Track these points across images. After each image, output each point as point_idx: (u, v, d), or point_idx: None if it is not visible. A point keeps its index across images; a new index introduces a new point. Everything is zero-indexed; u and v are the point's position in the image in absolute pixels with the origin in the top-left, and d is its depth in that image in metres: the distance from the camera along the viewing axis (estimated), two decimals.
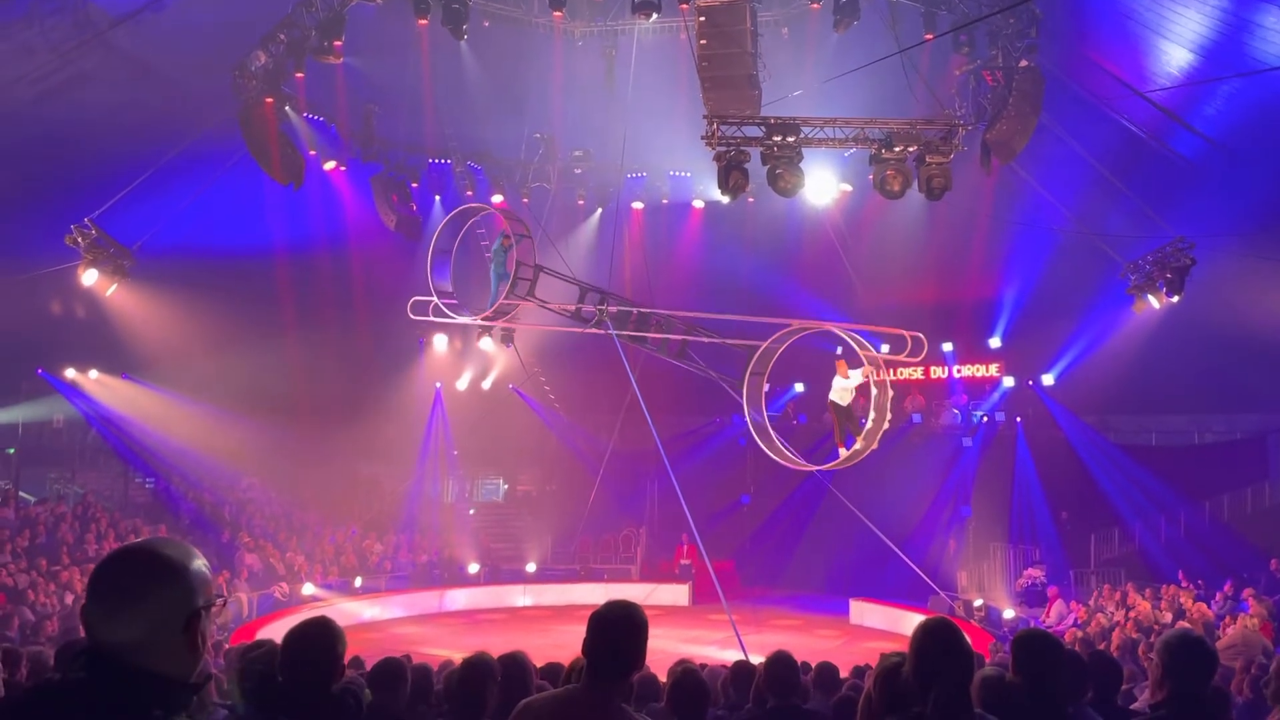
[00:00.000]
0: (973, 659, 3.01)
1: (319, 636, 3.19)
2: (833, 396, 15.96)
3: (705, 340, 15.92)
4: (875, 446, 14.84)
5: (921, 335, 14.35)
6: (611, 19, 18.46)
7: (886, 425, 14.83)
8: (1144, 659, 9.16)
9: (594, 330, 16.01)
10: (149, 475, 23.19)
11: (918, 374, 24.65)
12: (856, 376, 15.52)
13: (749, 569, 23.36)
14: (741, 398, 15.55)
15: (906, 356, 14.97)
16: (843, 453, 15.29)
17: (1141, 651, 9.59)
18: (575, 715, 2.91)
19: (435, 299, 15.69)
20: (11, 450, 22.99)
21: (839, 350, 15.74)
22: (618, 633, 2.94)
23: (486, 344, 22.92)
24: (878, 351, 15.90)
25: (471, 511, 25.34)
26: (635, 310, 16.68)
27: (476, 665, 4.22)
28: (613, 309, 16.70)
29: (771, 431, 15.64)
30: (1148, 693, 4.21)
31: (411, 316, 16.45)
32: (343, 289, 23.16)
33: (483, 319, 16.45)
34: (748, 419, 15.72)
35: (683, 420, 24.09)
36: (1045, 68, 15.07)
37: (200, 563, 1.96)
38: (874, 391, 14.74)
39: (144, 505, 21.99)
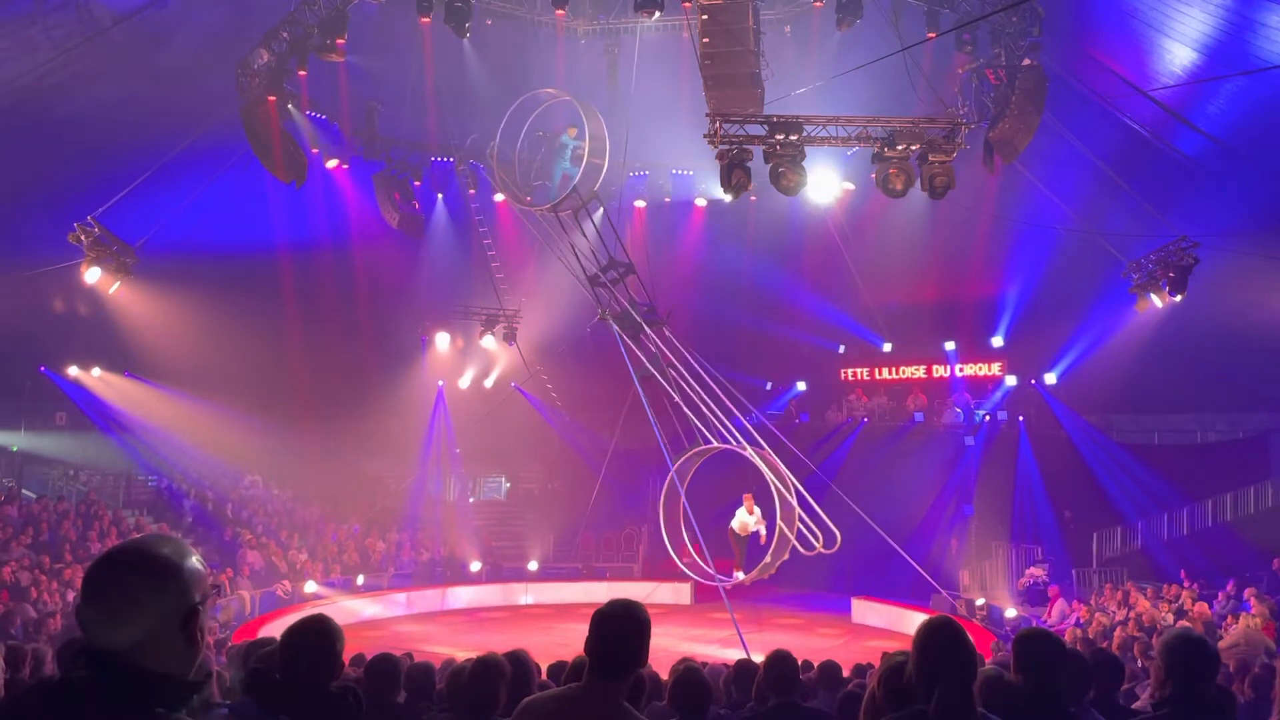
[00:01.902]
0: (975, 658, 3.01)
1: (318, 634, 3.19)
2: (733, 525, 17.55)
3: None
4: (773, 571, 16.70)
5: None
6: (614, 17, 18.44)
7: (785, 557, 16.53)
8: (1140, 658, 9.17)
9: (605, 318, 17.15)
10: (151, 473, 23.23)
11: (920, 372, 24.68)
12: (757, 517, 17.16)
13: (751, 567, 23.33)
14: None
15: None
16: (739, 575, 16.92)
17: (1138, 651, 9.59)
18: (577, 713, 2.91)
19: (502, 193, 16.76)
20: (14, 448, 23.03)
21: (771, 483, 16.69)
22: (620, 631, 2.94)
23: (489, 342, 22.98)
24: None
25: (471, 500, 25.39)
26: (633, 308, 16.99)
27: (489, 665, 4.22)
28: (616, 309, 16.96)
29: (683, 554, 17.46)
30: (1149, 692, 4.21)
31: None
32: (345, 287, 23.18)
33: (551, 209, 17.14)
34: (665, 539, 17.53)
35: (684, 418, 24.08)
36: (1048, 66, 15.05)
37: (194, 558, 1.95)
38: (774, 538, 16.36)
39: (146, 503, 22.02)
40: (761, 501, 17.27)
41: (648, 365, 17.32)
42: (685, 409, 16.92)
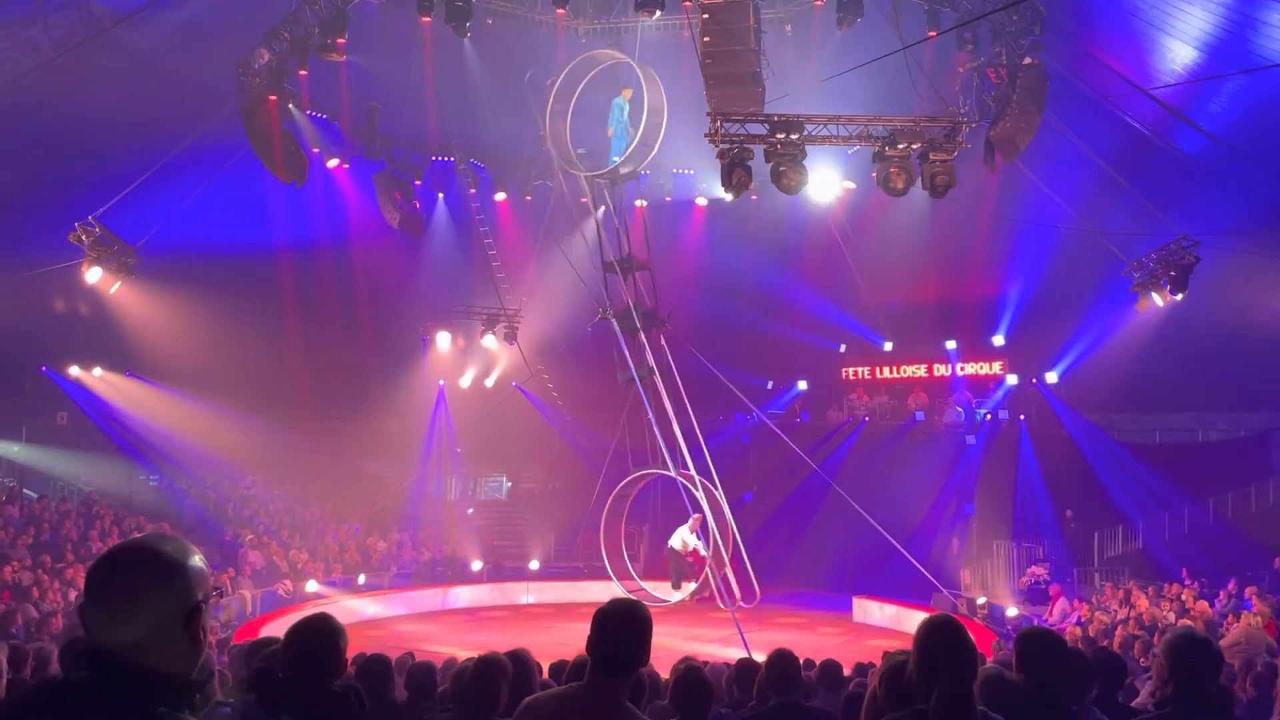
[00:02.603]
0: (976, 657, 3.01)
1: (321, 633, 3.19)
2: (672, 542, 18.05)
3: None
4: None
5: None
6: (615, 16, 18.42)
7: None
8: (1142, 656, 9.16)
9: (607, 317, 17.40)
10: (153, 472, 23.24)
11: (921, 371, 24.68)
12: (694, 540, 17.66)
13: (752, 566, 23.33)
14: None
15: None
16: (675, 595, 17.34)
17: (1139, 650, 9.58)
18: (579, 712, 2.91)
19: (557, 159, 16.82)
20: (15, 450, 23.04)
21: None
22: (621, 630, 2.94)
23: (490, 341, 22.97)
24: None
25: (470, 511, 25.34)
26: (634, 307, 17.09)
27: (490, 664, 4.23)
28: (617, 310, 17.06)
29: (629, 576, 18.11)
30: (1149, 689, 4.21)
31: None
32: (346, 287, 23.18)
33: (604, 175, 17.32)
34: (606, 563, 17.91)
35: (685, 418, 24.08)
36: (1049, 65, 15.04)
37: (197, 557, 1.95)
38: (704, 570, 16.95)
39: (148, 503, 22.03)
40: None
41: (632, 371, 17.40)
42: (655, 426, 17.06)
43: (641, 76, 16.12)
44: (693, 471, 16.89)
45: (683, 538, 17.87)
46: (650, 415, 17.13)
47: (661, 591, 17.60)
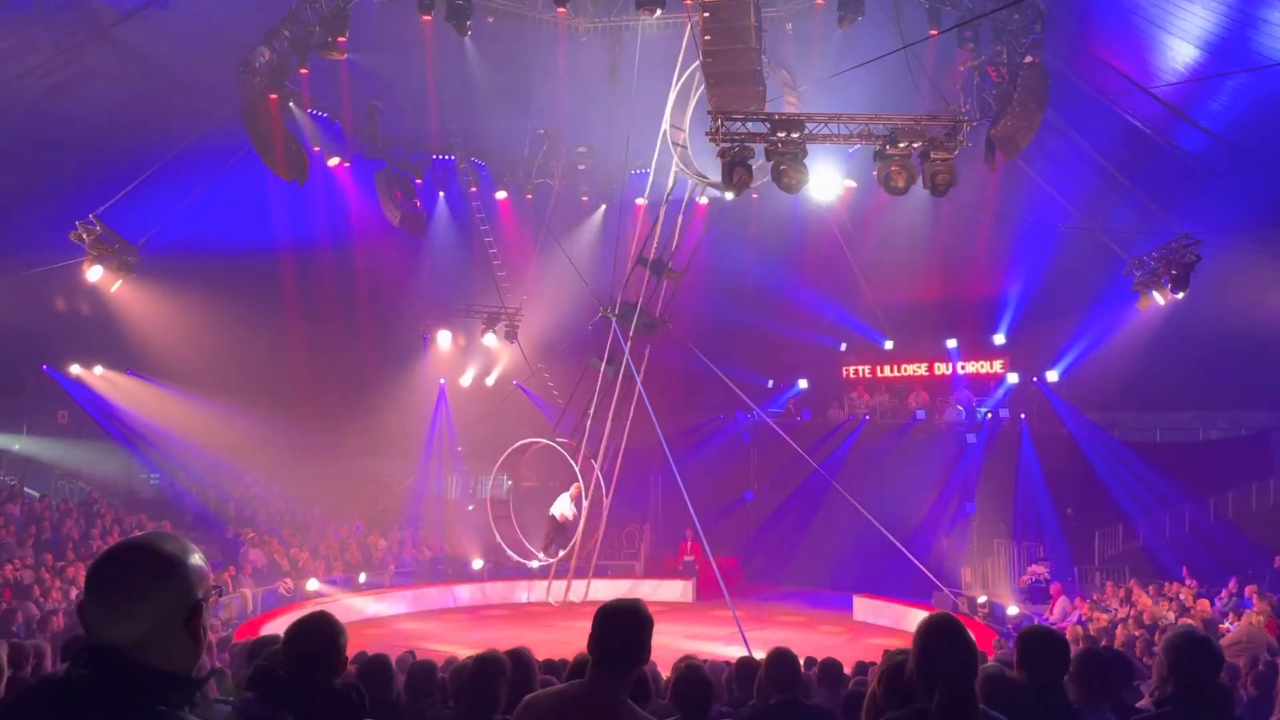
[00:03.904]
0: (976, 655, 3.01)
1: (320, 631, 3.20)
2: (552, 510, 18.48)
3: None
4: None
5: None
6: (615, 15, 18.43)
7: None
8: (1143, 655, 9.16)
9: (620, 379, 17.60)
10: (154, 471, 23.25)
11: (922, 370, 24.68)
12: (572, 508, 18.17)
13: (753, 565, 23.37)
14: None
15: None
16: (542, 557, 18.05)
17: (1140, 649, 9.59)
18: (580, 710, 2.91)
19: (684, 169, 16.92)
20: (17, 446, 23.06)
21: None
22: (623, 628, 2.95)
23: (490, 340, 22.99)
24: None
25: (470, 508, 25.37)
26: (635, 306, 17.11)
27: (489, 662, 4.23)
28: (628, 303, 17.09)
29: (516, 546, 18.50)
30: (1153, 690, 4.21)
31: None
32: (347, 285, 23.18)
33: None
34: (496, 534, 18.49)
35: (686, 417, 24.09)
36: (1050, 63, 15.03)
37: (197, 556, 1.95)
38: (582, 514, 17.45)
39: (149, 501, 22.06)
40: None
41: (604, 359, 17.62)
42: (606, 412, 17.46)
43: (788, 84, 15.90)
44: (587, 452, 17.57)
45: (560, 507, 18.30)
46: (594, 403, 17.62)
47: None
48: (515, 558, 18.02)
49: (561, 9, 16.86)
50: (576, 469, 17.23)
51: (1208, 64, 14.24)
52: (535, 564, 18.07)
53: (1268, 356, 18.69)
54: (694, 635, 16.99)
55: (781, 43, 17.21)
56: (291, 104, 17.51)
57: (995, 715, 2.96)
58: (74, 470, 22.85)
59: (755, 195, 19.85)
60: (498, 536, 18.26)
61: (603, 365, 17.69)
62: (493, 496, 18.79)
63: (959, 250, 22.15)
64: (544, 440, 18.20)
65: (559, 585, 18.35)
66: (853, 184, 19.96)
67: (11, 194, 16.92)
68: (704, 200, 22.96)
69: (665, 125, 16.58)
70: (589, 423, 17.64)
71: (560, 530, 18.19)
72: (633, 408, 17.31)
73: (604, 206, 23.13)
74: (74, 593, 14.60)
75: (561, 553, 17.62)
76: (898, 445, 22.64)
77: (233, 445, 22.08)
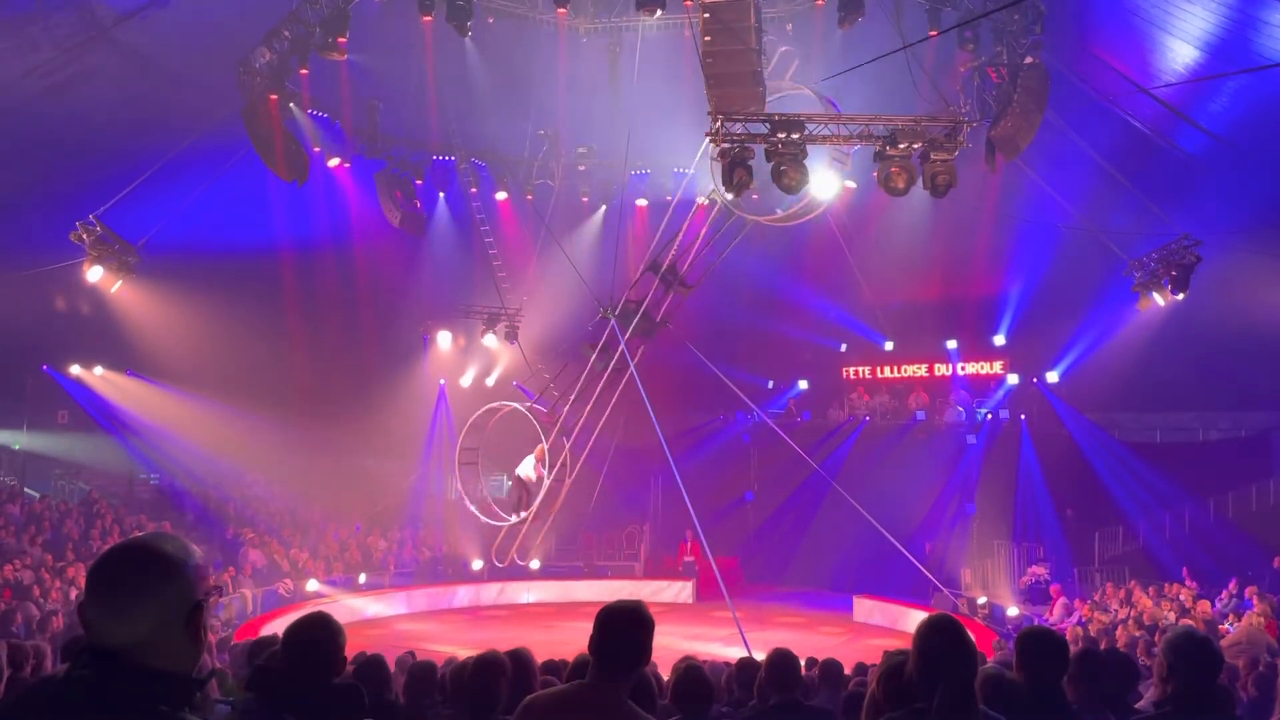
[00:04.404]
0: (976, 656, 3.01)
1: (319, 631, 3.20)
2: (518, 471, 18.47)
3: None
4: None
5: None
6: (616, 15, 18.43)
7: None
8: (1143, 656, 9.16)
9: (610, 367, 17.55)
10: (154, 471, 23.24)
11: (922, 371, 24.67)
12: (538, 473, 18.09)
13: (753, 566, 23.37)
14: None
15: None
16: (514, 518, 17.98)
17: (1140, 650, 9.58)
18: (581, 711, 2.91)
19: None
20: (17, 445, 23.06)
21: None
22: (624, 628, 2.96)
23: (490, 340, 22.98)
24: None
25: (472, 507, 25.32)
26: (635, 306, 17.11)
27: (489, 662, 4.23)
28: (630, 304, 17.09)
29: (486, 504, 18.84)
30: (1152, 691, 4.21)
31: None
32: (347, 285, 23.17)
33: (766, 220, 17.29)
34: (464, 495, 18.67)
35: (686, 417, 24.10)
36: (1050, 64, 15.02)
37: (197, 556, 1.95)
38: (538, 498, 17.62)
39: (149, 501, 22.04)
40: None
41: (597, 347, 17.72)
42: (589, 397, 17.60)
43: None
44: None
45: (525, 470, 18.37)
46: (577, 388, 17.83)
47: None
48: (475, 511, 18.18)
49: (562, 10, 16.86)
50: (541, 431, 17.32)
51: (1208, 65, 14.24)
52: (512, 520, 18.16)
53: (1268, 357, 18.69)
54: (694, 636, 16.99)
55: (782, 43, 17.20)
56: (292, 104, 17.51)
57: (995, 716, 2.96)
58: (74, 470, 22.86)
59: (755, 196, 19.85)
60: (459, 484, 18.41)
61: (593, 355, 17.73)
62: (463, 444, 18.72)
63: (959, 251, 22.14)
64: (513, 404, 18.25)
65: (507, 546, 18.41)
66: (852, 184, 19.95)
67: (11, 194, 16.92)
68: (703, 201, 22.99)
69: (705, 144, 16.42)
70: (566, 407, 17.70)
71: (525, 491, 18.26)
72: (616, 396, 17.42)
73: (604, 207, 23.12)
74: (74, 593, 14.61)
75: (523, 513, 17.72)
76: (898, 446, 22.63)
77: (233, 445, 22.06)
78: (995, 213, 19.93)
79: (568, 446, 17.71)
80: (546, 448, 17.39)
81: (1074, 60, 16.21)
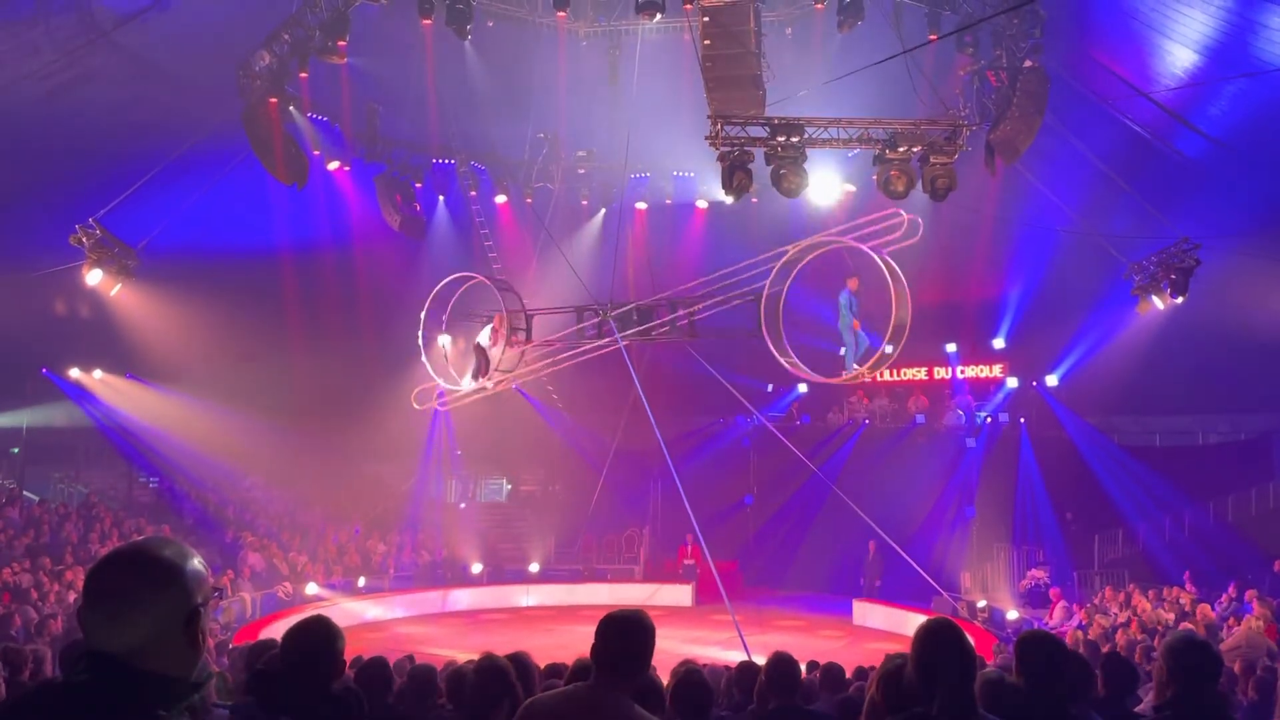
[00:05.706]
0: (975, 659, 3.01)
1: (318, 635, 3.20)
2: (478, 339, 18.68)
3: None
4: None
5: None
6: (615, 19, 18.46)
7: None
8: (1143, 660, 9.15)
9: (602, 343, 17.56)
10: (153, 475, 23.22)
11: (921, 374, 24.65)
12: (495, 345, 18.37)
13: (752, 569, 23.34)
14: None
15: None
16: (474, 384, 18.60)
17: (1140, 653, 9.58)
18: (582, 712, 2.91)
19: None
20: (15, 450, 23.03)
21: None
22: (626, 632, 2.97)
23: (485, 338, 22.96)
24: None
25: (462, 505, 25.36)
26: (635, 306, 17.06)
27: (490, 666, 4.22)
28: (615, 312, 17.01)
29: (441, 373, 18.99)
30: (1152, 695, 4.20)
31: None
32: (347, 289, 23.18)
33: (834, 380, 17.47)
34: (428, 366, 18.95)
35: (686, 420, 24.07)
36: (1050, 68, 15.04)
37: (195, 560, 1.95)
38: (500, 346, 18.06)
39: (148, 505, 22.02)
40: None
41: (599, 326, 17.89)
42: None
43: (886, 272, 15.13)
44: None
45: (483, 338, 18.67)
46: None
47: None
48: (434, 376, 18.59)
49: (561, 13, 16.89)
50: (501, 303, 17.73)
51: (1207, 69, 14.27)
52: (466, 386, 18.61)
53: (1268, 360, 18.69)
54: (693, 639, 16.96)
55: (782, 47, 17.23)
56: (291, 108, 17.51)
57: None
58: (73, 473, 22.84)
59: (754, 199, 19.88)
60: (420, 339, 18.70)
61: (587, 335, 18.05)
62: (435, 294, 18.78)
63: (958, 254, 22.13)
64: (478, 276, 18.52)
65: (467, 377, 18.76)
66: (852, 188, 19.98)
67: (11, 197, 16.92)
68: (703, 204, 23.02)
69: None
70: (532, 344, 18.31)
71: (484, 358, 18.59)
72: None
73: (604, 210, 23.14)
74: (72, 597, 14.59)
75: (483, 380, 18.20)
76: (897, 450, 22.60)
77: (232, 449, 22.05)
78: (995, 216, 19.93)
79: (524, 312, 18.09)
80: (504, 316, 17.82)
81: (1073, 64, 16.23)
